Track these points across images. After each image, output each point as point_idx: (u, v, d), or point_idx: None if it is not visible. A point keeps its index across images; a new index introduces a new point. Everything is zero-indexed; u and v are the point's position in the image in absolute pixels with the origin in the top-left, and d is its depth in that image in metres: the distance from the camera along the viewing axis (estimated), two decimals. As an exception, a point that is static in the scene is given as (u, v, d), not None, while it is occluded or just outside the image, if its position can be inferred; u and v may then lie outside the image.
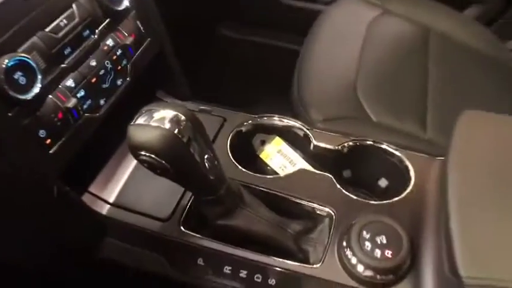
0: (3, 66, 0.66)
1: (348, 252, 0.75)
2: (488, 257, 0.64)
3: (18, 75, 0.68)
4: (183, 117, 0.65)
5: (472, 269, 0.63)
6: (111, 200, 0.87)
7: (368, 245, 0.73)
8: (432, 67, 1.26)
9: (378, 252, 0.73)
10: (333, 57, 1.27)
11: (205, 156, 0.69)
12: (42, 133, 0.73)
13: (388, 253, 0.73)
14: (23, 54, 0.69)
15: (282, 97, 1.26)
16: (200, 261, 0.80)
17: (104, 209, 0.86)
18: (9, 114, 0.68)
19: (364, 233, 0.74)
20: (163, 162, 0.64)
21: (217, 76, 1.75)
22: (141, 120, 0.65)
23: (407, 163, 0.90)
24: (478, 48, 1.35)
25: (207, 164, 0.70)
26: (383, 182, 0.96)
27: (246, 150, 0.97)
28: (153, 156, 0.64)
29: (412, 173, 0.88)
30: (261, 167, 0.95)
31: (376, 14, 1.38)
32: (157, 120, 0.64)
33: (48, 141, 0.74)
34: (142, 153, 0.64)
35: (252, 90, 1.66)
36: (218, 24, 1.73)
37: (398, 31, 1.36)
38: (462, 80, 1.25)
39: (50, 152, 0.75)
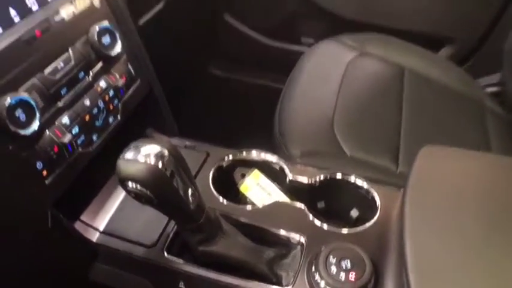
0: (6, 104, 0.72)
1: (316, 276, 0.80)
2: (440, 282, 0.68)
3: (19, 112, 0.74)
4: (166, 152, 0.71)
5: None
6: (101, 228, 0.92)
7: (334, 269, 0.79)
8: (406, 104, 1.31)
9: (342, 276, 0.78)
10: (313, 95, 1.33)
11: (186, 187, 0.75)
12: (39, 165, 0.79)
13: (352, 276, 0.78)
14: (24, 94, 0.76)
15: (265, 133, 1.31)
16: (182, 285, 0.85)
17: (95, 237, 0.91)
18: (10, 147, 0.74)
19: (331, 258, 0.80)
20: (148, 192, 0.70)
21: (205, 112, 1.80)
22: (129, 154, 0.71)
23: (374, 194, 0.95)
24: (450, 86, 1.40)
25: (188, 194, 0.75)
26: (355, 213, 1.01)
27: (228, 183, 1.02)
28: (139, 187, 0.70)
29: (378, 203, 0.93)
30: (242, 198, 1.00)
31: (354, 55, 1.45)
32: (144, 155, 0.70)
33: (45, 172, 0.80)
34: (130, 184, 0.70)
35: (237, 126, 1.71)
36: (207, 64, 1.79)
37: (375, 70, 1.42)
38: (434, 117, 1.30)
39: (46, 182, 0.81)
